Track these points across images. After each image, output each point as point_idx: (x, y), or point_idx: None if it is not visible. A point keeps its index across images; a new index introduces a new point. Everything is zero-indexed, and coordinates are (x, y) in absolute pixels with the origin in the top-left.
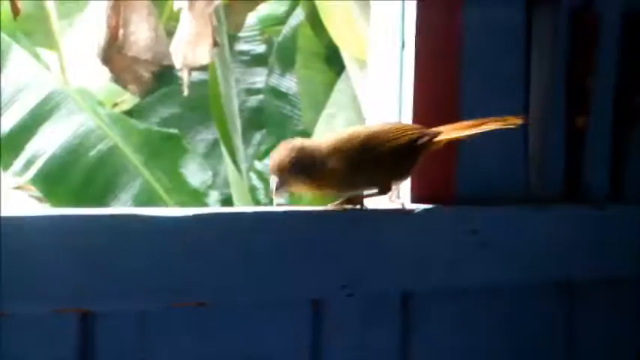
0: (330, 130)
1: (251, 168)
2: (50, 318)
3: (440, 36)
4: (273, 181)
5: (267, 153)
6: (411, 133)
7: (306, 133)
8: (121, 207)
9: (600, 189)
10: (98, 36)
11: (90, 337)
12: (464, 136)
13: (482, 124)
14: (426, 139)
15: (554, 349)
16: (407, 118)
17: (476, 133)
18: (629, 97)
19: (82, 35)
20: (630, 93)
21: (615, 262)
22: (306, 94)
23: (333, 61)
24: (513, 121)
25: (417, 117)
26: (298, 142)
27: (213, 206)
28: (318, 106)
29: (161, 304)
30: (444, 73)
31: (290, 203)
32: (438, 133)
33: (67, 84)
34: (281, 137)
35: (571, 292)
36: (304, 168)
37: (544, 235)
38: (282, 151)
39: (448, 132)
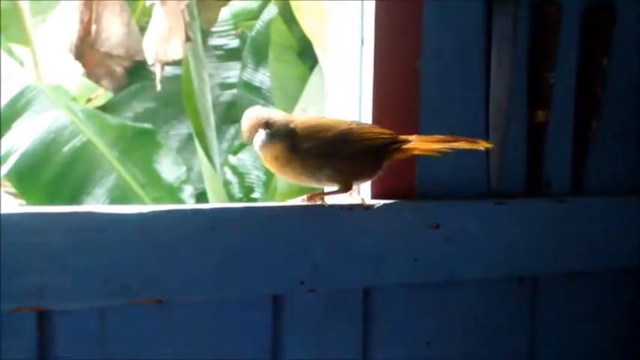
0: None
1: (225, 162)
2: (9, 317)
3: (399, 32)
4: (261, 134)
5: (241, 148)
6: (384, 137)
7: None
8: (91, 204)
9: (562, 182)
10: (71, 32)
11: (50, 335)
12: (433, 149)
13: (452, 141)
14: (397, 145)
15: (517, 341)
16: (366, 114)
17: (445, 148)
18: (590, 90)
19: (56, 31)
20: (591, 85)
21: (577, 255)
22: (279, 88)
23: (306, 56)
24: (484, 145)
25: (377, 114)
26: (280, 114)
27: (188, 200)
28: (292, 100)
29: (120, 302)
30: (404, 69)
31: (265, 198)
32: (408, 142)
33: (40, 80)
34: None
35: (534, 286)
36: (281, 133)
37: (506, 229)
38: (270, 113)
39: (419, 143)
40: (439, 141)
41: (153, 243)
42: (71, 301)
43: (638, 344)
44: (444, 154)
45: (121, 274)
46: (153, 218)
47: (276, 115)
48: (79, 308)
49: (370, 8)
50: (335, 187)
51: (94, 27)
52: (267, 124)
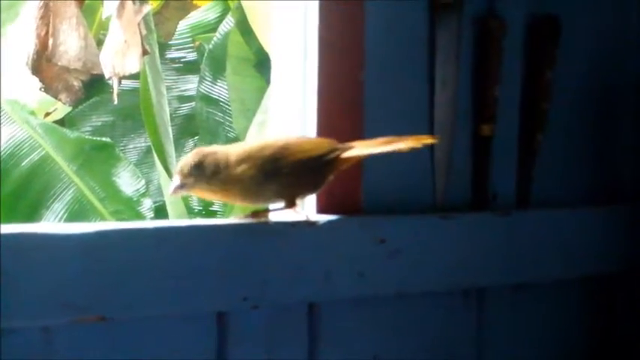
0: (261, 137)
1: None
2: None
3: (342, 46)
4: (174, 181)
5: None
6: (322, 148)
7: (238, 140)
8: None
9: (508, 195)
10: (27, 46)
11: None
12: (375, 153)
13: (395, 141)
14: (335, 154)
15: (465, 354)
16: (311, 128)
17: (388, 151)
18: (535, 102)
19: (13, 45)
20: (536, 98)
21: (523, 268)
22: (237, 100)
23: (263, 68)
24: (426, 141)
25: (321, 128)
26: (210, 148)
27: (148, 214)
28: (250, 113)
29: (65, 320)
30: (348, 83)
31: (224, 211)
32: (349, 149)
33: None
34: (213, 144)
35: (480, 299)
36: (206, 173)
37: (451, 243)
38: (189, 155)
39: (359, 148)
40: (381, 144)
41: (97, 261)
42: (14, 320)
43: (585, 355)
44: (390, 166)
45: (65, 293)
46: (96, 237)
47: (205, 154)
48: (23, 327)
49: (313, 22)
50: (280, 204)
51: (50, 41)
52: (186, 169)
